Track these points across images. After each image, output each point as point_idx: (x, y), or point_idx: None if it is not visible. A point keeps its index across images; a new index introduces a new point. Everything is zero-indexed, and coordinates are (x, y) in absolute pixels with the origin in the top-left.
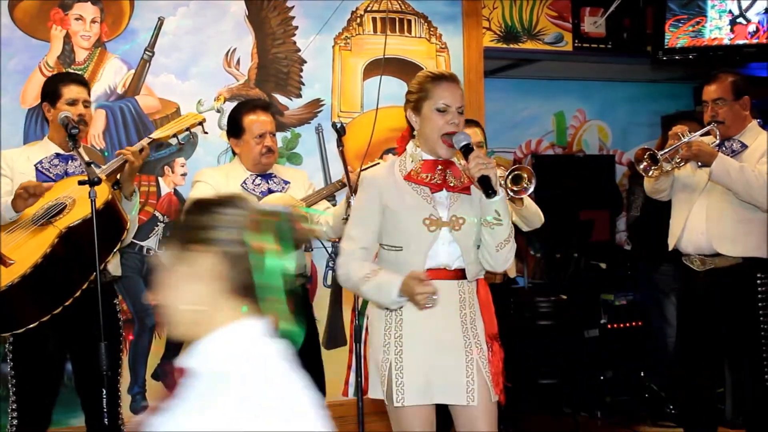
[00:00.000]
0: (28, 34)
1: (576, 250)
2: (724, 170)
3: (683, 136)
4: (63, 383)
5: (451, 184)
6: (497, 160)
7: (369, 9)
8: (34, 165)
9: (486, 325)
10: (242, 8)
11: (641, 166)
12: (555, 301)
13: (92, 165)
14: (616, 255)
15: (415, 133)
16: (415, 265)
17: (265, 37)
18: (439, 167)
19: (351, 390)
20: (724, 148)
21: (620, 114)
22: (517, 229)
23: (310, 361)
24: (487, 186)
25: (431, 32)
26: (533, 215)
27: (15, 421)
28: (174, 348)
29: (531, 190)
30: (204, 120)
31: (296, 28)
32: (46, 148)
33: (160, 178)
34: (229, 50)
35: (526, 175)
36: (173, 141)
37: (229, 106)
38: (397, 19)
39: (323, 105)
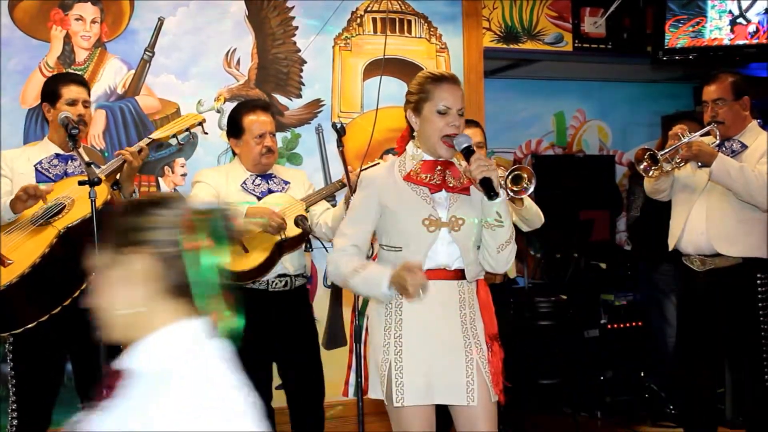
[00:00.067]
0: (28, 34)
1: (576, 250)
2: (724, 170)
3: (683, 136)
4: (63, 383)
5: (451, 185)
6: (497, 161)
7: (369, 9)
8: (34, 165)
9: (486, 325)
10: (242, 8)
11: (641, 167)
12: (555, 301)
13: (92, 165)
14: (616, 255)
15: (414, 133)
16: None
17: (265, 37)
18: (439, 168)
19: (351, 390)
20: (724, 148)
21: (620, 114)
22: (517, 230)
23: (309, 361)
24: (488, 188)
25: (431, 32)
26: (533, 215)
27: (15, 422)
28: (112, 350)
29: (531, 190)
30: (204, 120)
31: (296, 28)
32: (46, 149)
33: (160, 179)
34: (229, 50)
35: (526, 175)
36: (173, 141)
37: (229, 107)
38: (397, 19)
39: (323, 105)
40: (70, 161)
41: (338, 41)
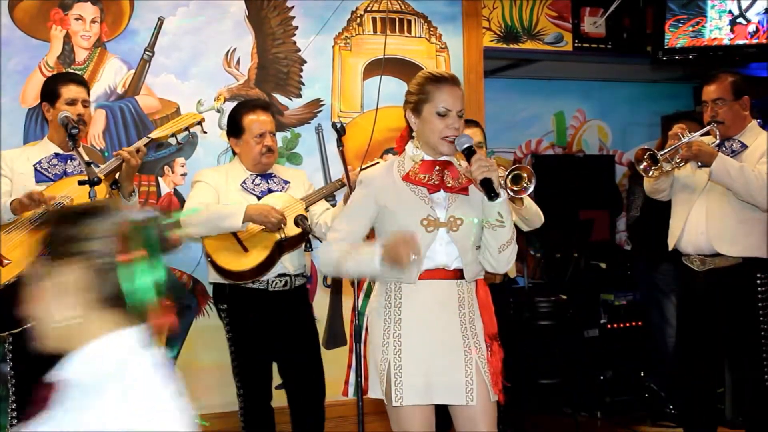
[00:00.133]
0: (28, 34)
1: (576, 250)
2: (724, 170)
3: (683, 136)
4: None
5: (449, 185)
6: (497, 160)
7: (369, 9)
8: (33, 165)
9: (485, 325)
10: (242, 8)
11: (641, 166)
12: (555, 301)
13: (92, 165)
14: (616, 255)
15: (414, 133)
16: (413, 264)
17: (265, 37)
18: (437, 168)
19: (351, 390)
20: (724, 148)
21: (620, 114)
22: (517, 230)
23: (310, 360)
24: (489, 189)
25: (431, 32)
26: (533, 215)
27: (15, 421)
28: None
29: (531, 189)
30: (203, 119)
31: (296, 28)
32: (46, 148)
33: (160, 178)
34: (229, 50)
35: (526, 175)
36: (172, 141)
37: (229, 106)
38: (397, 19)
39: (323, 105)
40: (69, 161)
41: (338, 41)
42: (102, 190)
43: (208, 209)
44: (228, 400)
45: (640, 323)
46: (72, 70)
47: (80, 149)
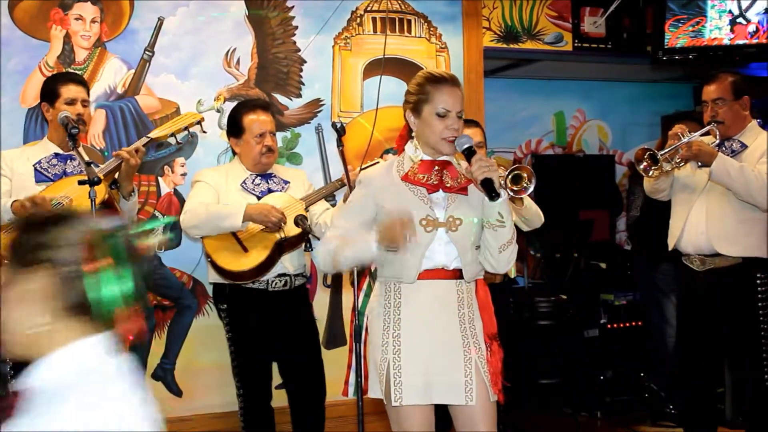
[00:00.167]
0: (28, 34)
1: (576, 250)
2: (724, 170)
3: (683, 136)
4: None
5: (448, 185)
6: (497, 160)
7: (369, 9)
8: (33, 165)
9: (485, 324)
10: (242, 8)
11: (641, 166)
12: (555, 301)
13: (91, 165)
14: (616, 255)
15: (413, 133)
16: (412, 265)
17: (265, 37)
18: (436, 168)
19: (351, 390)
20: (724, 148)
21: (620, 114)
22: (517, 230)
23: (310, 360)
24: (490, 189)
25: (431, 32)
26: (533, 215)
27: None
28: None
29: (531, 189)
30: (202, 119)
31: (296, 28)
32: (46, 148)
33: (160, 178)
34: (229, 50)
35: (526, 175)
36: (171, 140)
37: (229, 106)
38: (397, 19)
39: (323, 105)
40: (69, 161)
41: (338, 41)
42: (101, 190)
43: (207, 209)
44: (228, 400)
45: (640, 323)
46: (72, 70)
47: (80, 149)
